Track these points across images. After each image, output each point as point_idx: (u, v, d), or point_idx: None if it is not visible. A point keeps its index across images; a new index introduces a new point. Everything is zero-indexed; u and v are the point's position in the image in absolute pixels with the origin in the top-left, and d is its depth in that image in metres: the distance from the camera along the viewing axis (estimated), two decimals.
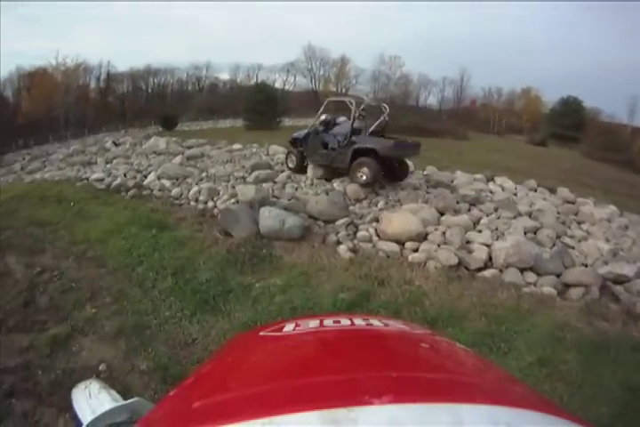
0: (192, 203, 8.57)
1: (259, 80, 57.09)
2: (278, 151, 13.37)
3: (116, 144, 16.92)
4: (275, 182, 9.61)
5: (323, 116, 10.21)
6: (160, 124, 37.85)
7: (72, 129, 42.85)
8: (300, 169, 10.28)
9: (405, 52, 72.56)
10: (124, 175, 10.47)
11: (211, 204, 8.43)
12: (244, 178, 9.97)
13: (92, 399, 1.13)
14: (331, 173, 9.85)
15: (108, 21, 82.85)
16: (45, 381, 3.69)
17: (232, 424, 0.56)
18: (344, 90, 60.85)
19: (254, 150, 14.50)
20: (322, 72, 61.48)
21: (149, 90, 57.94)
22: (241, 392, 0.67)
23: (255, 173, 9.89)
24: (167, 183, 9.59)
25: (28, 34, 78.06)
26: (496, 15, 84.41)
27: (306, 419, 0.55)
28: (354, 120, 9.35)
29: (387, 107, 9.95)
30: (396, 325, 1.00)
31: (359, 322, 0.96)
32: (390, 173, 9.36)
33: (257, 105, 35.46)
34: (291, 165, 10.51)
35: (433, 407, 0.58)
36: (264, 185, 9.10)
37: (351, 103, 9.38)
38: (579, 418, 0.66)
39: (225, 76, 61.79)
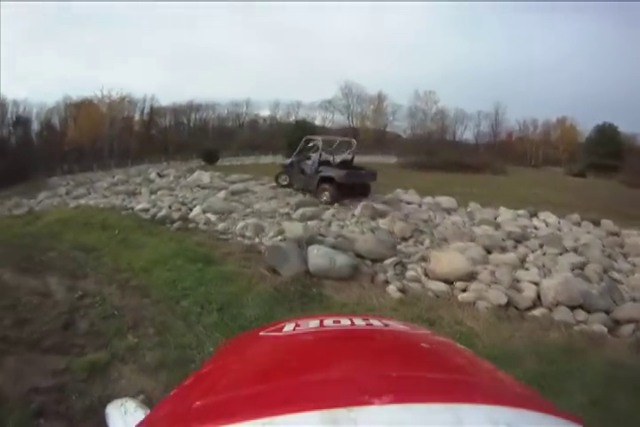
0: (238, 238, 8.50)
1: (298, 117, 57.83)
2: None
3: (160, 175, 17.29)
4: (321, 220, 9.72)
5: (311, 144, 13.36)
6: (202, 159, 38.30)
7: (115, 159, 43.99)
8: (289, 186, 13.34)
9: (439, 86, 72.47)
10: (169, 207, 10.61)
11: (257, 240, 8.38)
12: (289, 215, 10.16)
13: (127, 416, 1.08)
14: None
15: (154, 55, 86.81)
16: (79, 405, 3.49)
17: (232, 424, 0.56)
18: (382, 127, 61.32)
19: None
20: (359, 109, 61.77)
21: (191, 124, 59.07)
22: (241, 392, 0.67)
23: (300, 211, 10.08)
24: (212, 217, 9.71)
25: (74, 63, 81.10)
26: (521, 44, 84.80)
27: (306, 419, 0.56)
28: (320, 155, 12.45)
29: (354, 142, 14.20)
30: (395, 325, 1.02)
31: (359, 322, 0.98)
32: (351, 193, 11.83)
33: (297, 142, 35.34)
34: (284, 183, 13.54)
35: (433, 407, 0.58)
36: (309, 223, 9.15)
37: (319, 141, 12.95)
38: (578, 418, 0.67)
39: (265, 113, 62.61)
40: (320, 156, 12.58)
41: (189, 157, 43.34)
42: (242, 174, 18.39)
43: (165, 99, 58.67)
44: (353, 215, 10.15)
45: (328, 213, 10.18)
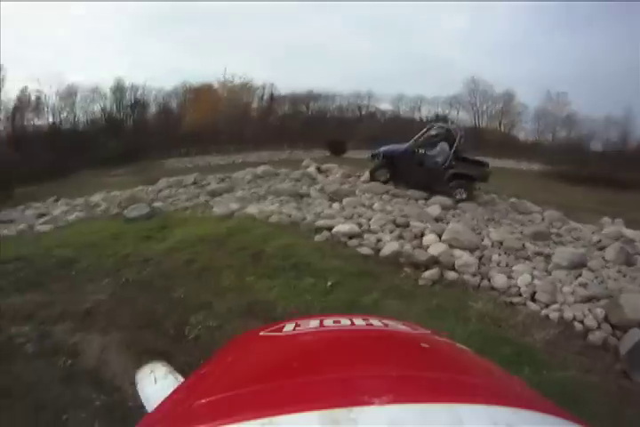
0: (529, 303, 5.69)
1: (421, 112, 56.34)
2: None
3: (320, 171, 13.29)
4: None
5: (433, 131, 11.16)
6: (328, 149, 36.74)
7: (234, 144, 43.75)
8: (389, 181, 10.86)
9: (561, 87, 66.55)
10: (382, 230, 7.39)
11: (555, 306, 5.52)
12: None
13: (157, 384, 1.10)
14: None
15: (269, 46, 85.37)
16: None
17: (232, 424, 0.56)
18: (507, 128, 56.80)
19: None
20: (484, 108, 57.26)
21: (309, 113, 57.28)
22: (241, 392, 0.68)
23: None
24: (466, 257, 6.56)
25: (191, 54, 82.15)
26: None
27: (306, 419, 0.56)
28: (457, 147, 10.70)
29: (462, 130, 11.99)
30: (395, 325, 1.04)
31: (359, 322, 1.00)
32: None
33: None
34: (381, 179, 10.89)
35: (433, 407, 0.58)
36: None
37: (456, 130, 11.24)
38: (578, 418, 0.68)
39: (386, 106, 59.53)
40: (454, 147, 10.79)
41: (311, 146, 42.02)
42: None
43: (284, 88, 56.95)
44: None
45: None
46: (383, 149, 11.45)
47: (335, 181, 11.14)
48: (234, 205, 8.70)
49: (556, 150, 46.23)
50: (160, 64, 74.85)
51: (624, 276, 6.80)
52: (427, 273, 6.16)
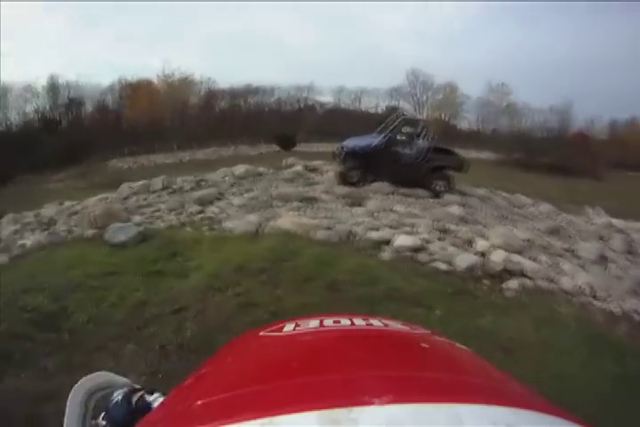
0: (593, 301, 6.01)
1: (361, 104, 57.42)
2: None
3: (308, 169, 12.21)
4: None
5: (405, 129, 10.39)
6: (277, 144, 36.32)
7: (177, 141, 42.30)
8: (360, 182, 9.99)
9: (502, 77, 69.13)
10: (437, 239, 6.91)
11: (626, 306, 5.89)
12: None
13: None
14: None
15: (206, 38, 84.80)
16: None
17: (232, 424, 0.55)
18: (448, 118, 57.73)
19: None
20: (425, 98, 58.38)
21: (248, 107, 56.30)
22: (241, 392, 0.67)
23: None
24: (531, 263, 6.54)
25: (125, 49, 79.57)
26: (583, 38, 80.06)
27: (306, 419, 0.55)
28: (433, 139, 10.44)
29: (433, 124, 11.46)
30: (395, 325, 1.01)
31: (359, 322, 0.98)
32: None
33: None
34: (352, 181, 9.95)
35: (433, 407, 0.58)
36: None
37: (431, 123, 11.35)
38: (578, 418, 0.66)
39: (327, 99, 59.75)
40: (430, 141, 10.45)
41: (255, 141, 42.13)
42: None
43: (223, 82, 55.62)
44: None
45: None
46: (349, 146, 10.59)
47: (334, 182, 10.29)
48: (252, 218, 7.33)
49: (503, 139, 47.93)
50: (96, 60, 72.70)
51: (634, 264, 7.46)
52: (509, 284, 6.01)
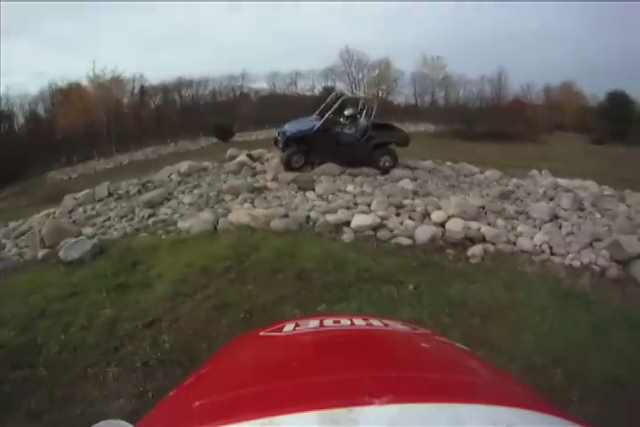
0: (552, 257, 6.25)
1: (297, 87, 57.36)
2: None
3: (252, 158, 11.81)
4: None
5: (348, 111, 10.28)
6: (215, 136, 35.91)
7: (115, 144, 41.56)
8: (304, 165, 9.77)
9: (436, 51, 69.85)
10: (395, 215, 7.06)
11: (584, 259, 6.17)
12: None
13: None
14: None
15: (133, 36, 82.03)
16: None
17: (232, 424, 0.56)
18: (385, 93, 57.64)
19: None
20: (360, 76, 58.70)
21: (183, 101, 55.97)
22: (241, 392, 0.68)
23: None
24: (489, 228, 6.75)
25: (52, 54, 76.14)
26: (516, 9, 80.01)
27: (305, 419, 0.56)
28: (372, 116, 10.00)
29: (374, 101, 10.79)
30: (395, 325, 1.04)
31: (359, 322, 1.00)
32: None
33: (328, 111, 32.76)
34: (297, 165, 9.68)
35: (433, 407, 0.59)
36: None
37: (372, 101, 10.63)
38: (577, 418, 0.67)
39: (262, 85, 59.42)
40: (370, 118, 10.08)
41: (194, 135, 41.43)
42: None
43: (155, 79, 54.72)
44: None
45: None
46: (290, 131, 10.16)
47: (280, 169, 9.99)
48: (206, 215, 7.06)
49: (441, 111, 48.64)
50: (22, 67, 68.59)
51: (585, 219, 7.61)
52: (473, 251, 6.09)
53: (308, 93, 56.43)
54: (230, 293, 4.85)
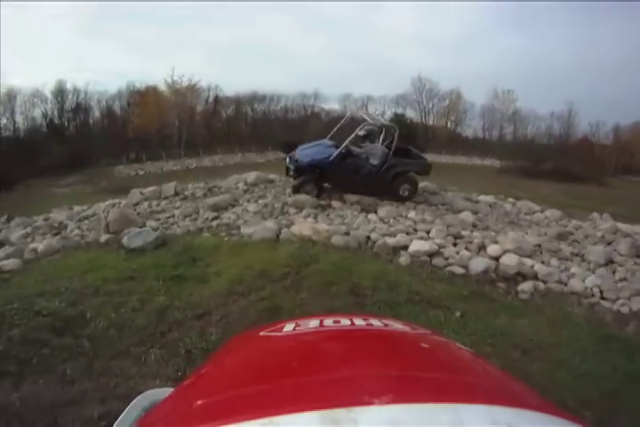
0: (601, 302, 6.23)
1: (368, 111, 55.69)
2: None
3: None
4: None
5: (362, 132, 9.43)
6: (282, 151, 36.54)
7: (184, 148, 42.74)
8: (318, 196, 9.03)
9: (507, 84, 68.65)
10: (452, 244, 7.08)
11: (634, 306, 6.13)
12: None
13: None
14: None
15: (212, 47, 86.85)
16: None
17: (232, 424, 0.57)
18: (454, 125, 58.52)
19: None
20: (431, 105, 58.49)
21: (254, 115, 57.03)
22: (241, 392, 0.69)
23: None
24: (542, 266, 6.66)
25: (133, 57, 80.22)
26: (588, 43, 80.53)
27: (306, 419, 0.56)
28: (394, 144, 9.36)
29: (395, 127, 9.87)
30: (395, 325, 1.05)
31: (359, 322, 1.01)
32: None
33: (397, 138, 32.69)
34: (312, 195, 8.94)
35: (433, 407, 0.59)
36: None
37: (394, 128, 9.69)
38: (577, 418, 0.69)
39: (334, 106, 60.06)
40: (392, 144, 9.41)
41: (261, 148, 42.33)
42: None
43: (228, 89, 56.58)
44: None
45: None
46: (302, 158, 9.37)
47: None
48: (269, 224, 7.29)
49: (508, 146, 47.68)
50: (103, 66, 73.20)
51: (639, 266, 7.35)
52: (523, 287, 6.13)
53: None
54: (283, 298, 5.01)
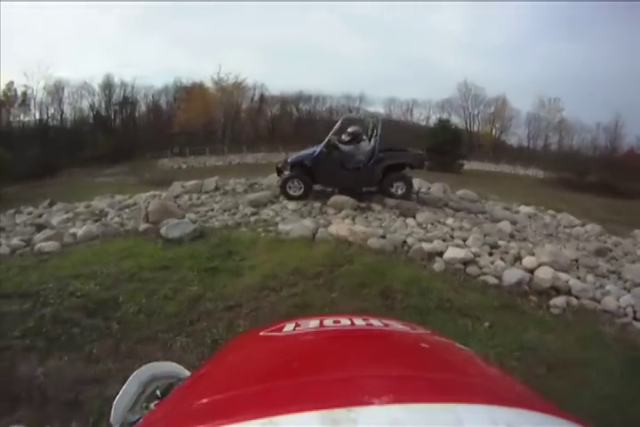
0: (634, 322, 5.93)
1: (412, 116, 58.03)
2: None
3: None
4: None
5: (351, 128, 9.55)
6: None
7: (228, 145, 43.02)
8: (306, 195, 9.20)
9: (554, 90, 67.20)
10: (487, 254, 6.96)
11: None
12: None
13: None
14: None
15: (258, 46, 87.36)
16: None
17: (232, 424, 0.56)
18: (499, 132, 57.40)
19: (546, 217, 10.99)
20: (476, 112, 57.77)
21: (299, 115, 57.38)
22: (241, 392, 0.68)
23: None
24: (574, 282, 6.41)
25: (180, 53, 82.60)
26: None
27: (305, 419, 0.55)
28: (380, 138, 9.36)
29: (379, 120, 10.02)
30: (395, 325, 1.03)
31: (359, 322, 1.00)
32: None
33: (442, 144, 33.01)
34: (295, 193, 9.17)
35: (433, 407, 0.58)
36: None
37: (376, 121, 9.84)
38: (577, 418, 0.67)
39: (378, 109, 59.40)
40: (378, 139, 9.40)
41: (306, 148, 41.16)
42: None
43: (274, 88, 56.86)
44: None
45: None
46: (294, 158, 9.72)
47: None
48: (307, 223, 7.42)
49: (551, 156, 46.46)
50: (150, 62, 74.86)
51: None
52: (556, 301, 5.95)
53: (423, 123, 56.40)
54: (315, 296, 5.09)
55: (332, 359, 0.82)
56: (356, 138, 9.45)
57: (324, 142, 9.31)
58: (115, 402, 1.01)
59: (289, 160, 9.74)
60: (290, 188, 9.20)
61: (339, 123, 9.80)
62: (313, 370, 0.77)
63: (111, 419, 1.00)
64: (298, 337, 0.96)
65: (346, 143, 9.43)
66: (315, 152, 9.29)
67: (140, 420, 0.89)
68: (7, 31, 60.49)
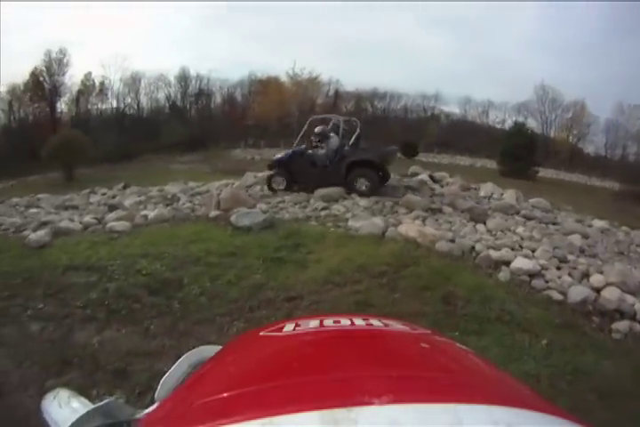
0: None
1: (488, 117, 56.35)
2: None
3: (433, 180, 11.50)
4: None
5: (317, 129, 10.29)
6: (400, 150, 36.71)
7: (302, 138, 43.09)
8: (289, 189, 10.15)
9: (636, 97, 62.83)
10: (555, 268, 6.58)
11: None
12: None
13: (63, 409, 1.02)
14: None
15: (332, 41, 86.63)
16: None
17: (232, 424, 0.56)
18: (576, 139, 54.81)
19: None
20: (553, 116, 55.42)
21: (374, 111, 57.16)
22: (241, 392, 0.68)
23: None
24: None
25: (253, 48, 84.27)
26: None
27: (305, 419, 0.56)
28: (342, 136, 9.98)
29: (357, 121, 10.74)
30: (395, 325, 1.03)
31: (359, 322, 1.00)
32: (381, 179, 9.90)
33: (515, 148, 32.61)
34: (280, 187, 10.20)
35: (433, 407, 0.59)
36: None
37: (338, 120, 10.50)
38: (577, 418, 0.67)
39: (453, 109, 59.22)
40: (342, 137, 10.03)
41: (381, 145, 41.59)
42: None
43: (349, 85, 57.27)
44: None
45: None
46: (277, 157, 10.85)
47: (458, 195, 9.97)
48: (377, 221, 7.43)
49: (629, 168, 43.84)
50: (225, 55, 76.80)
51: None
52: (618, 325, 5.50)
53: (498, 126, 54.95)
54: (377, 295, 5.11)
55: (332, 359, 0.83)
56: (323, 138, 10.12)
57: (296, 142, 10.92)
58: (162, 379, 1.04)
59: (273, 159, 10.84)
60: (274, 182, 10.29)
61: (307, 124, 10.93)
62: (313, 370, 0.77)
63: (156, 394, 1.02)
64: (298, 337, 0.96)
65: (316, 143, 10.25)
66: (290, 152, 10.49)
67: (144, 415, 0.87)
68: (83, 21, 65.21)
